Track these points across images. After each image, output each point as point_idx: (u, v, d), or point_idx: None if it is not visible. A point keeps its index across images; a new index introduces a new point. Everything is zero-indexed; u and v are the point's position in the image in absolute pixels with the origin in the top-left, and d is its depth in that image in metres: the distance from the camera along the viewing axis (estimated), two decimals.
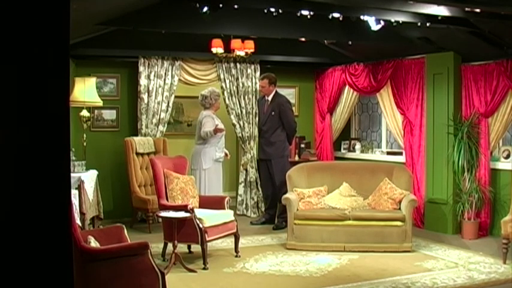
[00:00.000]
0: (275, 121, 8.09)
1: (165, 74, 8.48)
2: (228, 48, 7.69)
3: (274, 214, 8.17)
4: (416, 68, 8.16)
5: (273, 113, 8.09)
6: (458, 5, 5.45)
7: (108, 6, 5.84)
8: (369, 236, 6.58)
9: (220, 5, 5.81)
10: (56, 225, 1.79)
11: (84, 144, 7.41)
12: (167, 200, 6.56)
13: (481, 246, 6.86)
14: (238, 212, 8.70)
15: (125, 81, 8.63)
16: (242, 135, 8.95)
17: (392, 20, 6.30)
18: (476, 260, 6.20)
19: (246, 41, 7.66)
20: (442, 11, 5.68)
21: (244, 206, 9.03)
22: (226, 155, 7.90)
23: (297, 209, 6.76)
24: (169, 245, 5.95)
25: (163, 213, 5.91)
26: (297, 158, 9.37)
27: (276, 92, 8.25)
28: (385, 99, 8.67)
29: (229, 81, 8.86)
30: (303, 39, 7.85)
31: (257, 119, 8.69)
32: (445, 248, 6.78)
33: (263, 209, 9.25)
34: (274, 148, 8.13)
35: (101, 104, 7.62)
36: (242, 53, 7.76)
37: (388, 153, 9.03)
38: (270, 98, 8.17)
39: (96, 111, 8.36)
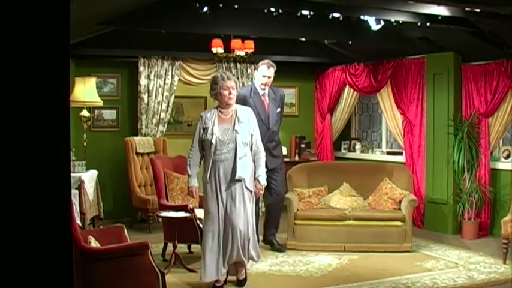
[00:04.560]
0: (278, 118, 6.70)
1: (165, 74, 8.48)
2: (228, 48, 7.69)
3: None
4: (417, 68, 8.16)
5: (278, 109, 6.65)
6: (459, 5, 5.46)
7: (108, 6, 5.84)
8: (369, 236, 6.57)
9: (220, 5, 5.81)
10: (56, 225, 1.79)
11: (84, 144, 7.41)
12: (167, 200, 6.57)
13: (481, 246, 6.86)
14: None
15: (125, 81, 8.63)
16: None
17: (393, 20, 6.31)
18: (476, 260, 6.20)
19: (246, 41, 7.65)
20: (442, 11, 5.69)
21: None
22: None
23: (297, 209, 6.75)
24: (170, 245, 5.95)
25: (164, 213, 5.91)
26: (297, 158, 9.37)
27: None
28: (385, 99, 8.66)
29: None
30: (303, 39, 7.85)
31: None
32: (445, 248, 6.78)
33: (264, 209, 9.24)
34: (279, 150, 6.81)
35: (101, 104, 7.62)
36: (242, 53, 7.76)
37: (388, 153, 9.03)
38: (266, 92, 6.58)
39: (96, 111, 8.36)
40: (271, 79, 6.50)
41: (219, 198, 5.00)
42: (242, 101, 6.17)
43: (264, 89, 6.52)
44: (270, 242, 6.66)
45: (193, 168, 5.16)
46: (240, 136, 5.04)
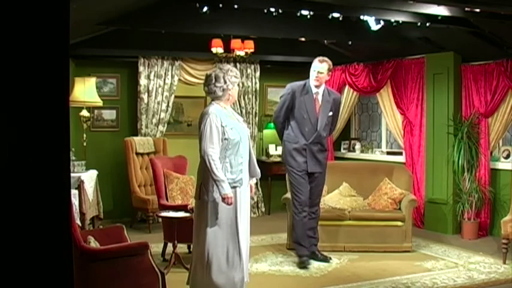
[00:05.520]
0: (329, 122, 6.17)
1: (165, 74, 8.48)
2: (227, 48, 7.69)
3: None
4: (416, 68, 8.16)
5: (330, 113, 6.11)
6: (458, 5, 5.45)
7: (108, 6, 5.84)
8: (369, 236, 6.57)
9: (220, 5, 5.81)
10: (55, 225, 1.78)
11: (84, 144, 7.41)
12: (167, 200, 6.57)
13: (481, 246, 6.86)
14: None
15: (124, 81, 8.63)
16: None
17: (392, 20, 6.31)
18: (476, 260, 6.20)
19: (245, 41, 7.66)
20: (442, 11, 5.69)
21: None
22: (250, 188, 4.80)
23: None
24: (169, 245, 5.95)
25: (163, 213, 5.91)
26: None
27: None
28: (385, 99, 8.67)
29: None
30: (303, 39, 7.85)
31: (291, 115, 6.10)
32: (445, 248, 6.78)
33: (263, 209, 9.25)
34: (325, 157, 6.27)
35: (100, 104, 7.62)
36: (242, 53, 7.76)
37: (388, 153, 9.03)
38: (320, 92, 6.06)
39: (96, 111, 8.37)
40: (324, 75, 5.97)
41: (243, 204, 4.59)
42: (291, 95, 5.99)
43: (318, 87, 6.01)
44: (312, 253, 6.19)
45: (222, 173, 4.44)
46: (248, 133, 4.77)
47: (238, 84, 4.77)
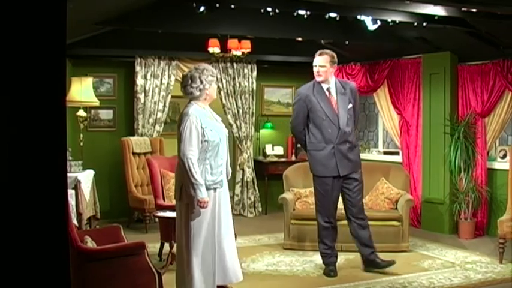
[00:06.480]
0: (351, 115, 5.69)
1: (162, 73, 8.48)
2: (224, 48, 7.69)
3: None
4: (413, 68, 8.17)
5: (350, 105, 5.66)
6: (455, 5, 5.46)
7: (105, 6, 5.84)
8: None
9: (217, 5, 5.81)
10: (52, 225, 1.78)
11: (81, 144, 7.40)
12: (164, 199, 6.57)
13: (478, 246, 6.87)
14: (235, 212, 8.67)
15: (121, 81, 8.62)
16: (239, 135, 8.98)
17: (389, 20, 6.32)
18: (472, 260, 6.21)
19: (242, 41, 7.66)
20: (438, 10, 5.69)
21: (241, 205, 9.05)
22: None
23: (294, 209, 6.76)
24: (166, 245, 5.95)
25: (160, 213, 5.91)
26: (293, 158, 9.37)
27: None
28: (382, 99, 8.67)
29: (226, 81, 8.88)
30: (300, 39, 7.85)
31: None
32: (441, 248, 6.79)
33: (260, 209, 9.25)
34: (356, 154, 5.80)
35: (97, 103, 7.62)
36: (239, 53, 7.76)
37: (385, 153, 9.03)
38: (332, 86, 5.66)
39: (92, 111, 8.36)
40: (327, 68, 5.55)
41: (224, 204, 4.62)
42: (303, 101, 5.64)
43: (325, 82, 5.61)
44: (372, 261, 5.79)
45: (201, 177, 4.40)
46: (226, 133, 4.73)
47: (216, 83, 4.70)
